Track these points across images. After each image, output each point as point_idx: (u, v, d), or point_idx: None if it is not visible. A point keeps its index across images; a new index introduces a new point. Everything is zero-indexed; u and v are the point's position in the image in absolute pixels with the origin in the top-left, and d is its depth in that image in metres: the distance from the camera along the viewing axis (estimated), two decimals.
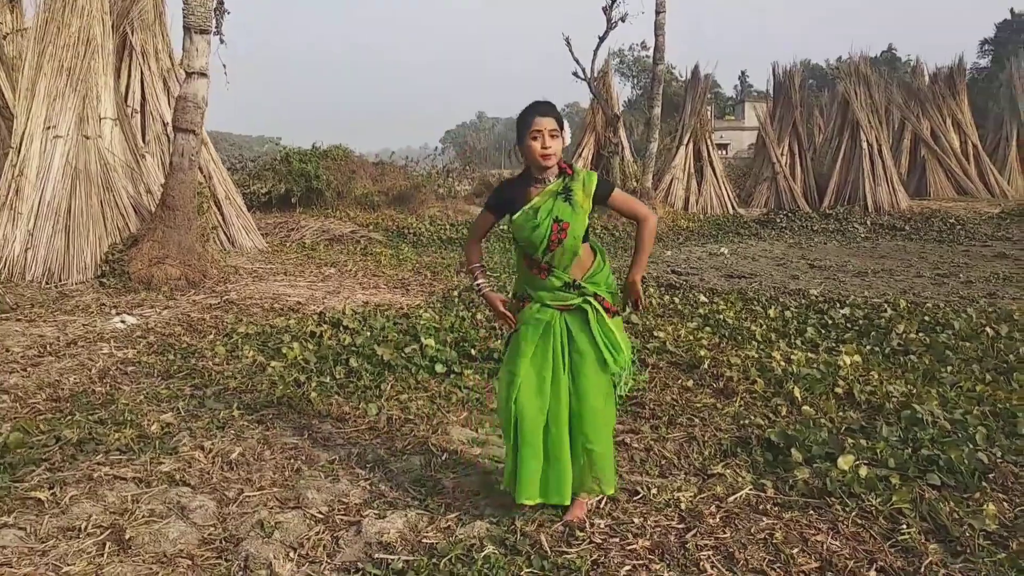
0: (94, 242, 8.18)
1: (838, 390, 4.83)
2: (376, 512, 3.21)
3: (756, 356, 5.67)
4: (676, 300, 8.14)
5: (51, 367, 5.22)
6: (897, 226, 17.10)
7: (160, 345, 5.90)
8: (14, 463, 3.53)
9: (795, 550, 2.88)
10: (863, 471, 3.41)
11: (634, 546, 2.91)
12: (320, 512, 3.21)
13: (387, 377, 5.11)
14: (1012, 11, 53.16)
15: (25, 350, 5.61)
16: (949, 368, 5.42)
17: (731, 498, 3.30)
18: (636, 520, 3.11)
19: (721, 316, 7.26)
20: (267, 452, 3.85)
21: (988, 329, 6.41)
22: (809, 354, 5.79)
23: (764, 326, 6.84)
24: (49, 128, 8.34)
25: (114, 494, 3.30)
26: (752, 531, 3.03)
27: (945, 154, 23.76)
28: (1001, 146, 24.77)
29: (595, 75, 20.16)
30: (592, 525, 3.05)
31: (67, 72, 8.51)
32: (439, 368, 5.27)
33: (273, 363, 5.31)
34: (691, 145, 21.09)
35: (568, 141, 2.95)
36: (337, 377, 5.09)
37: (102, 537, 2.93)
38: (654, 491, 3.38)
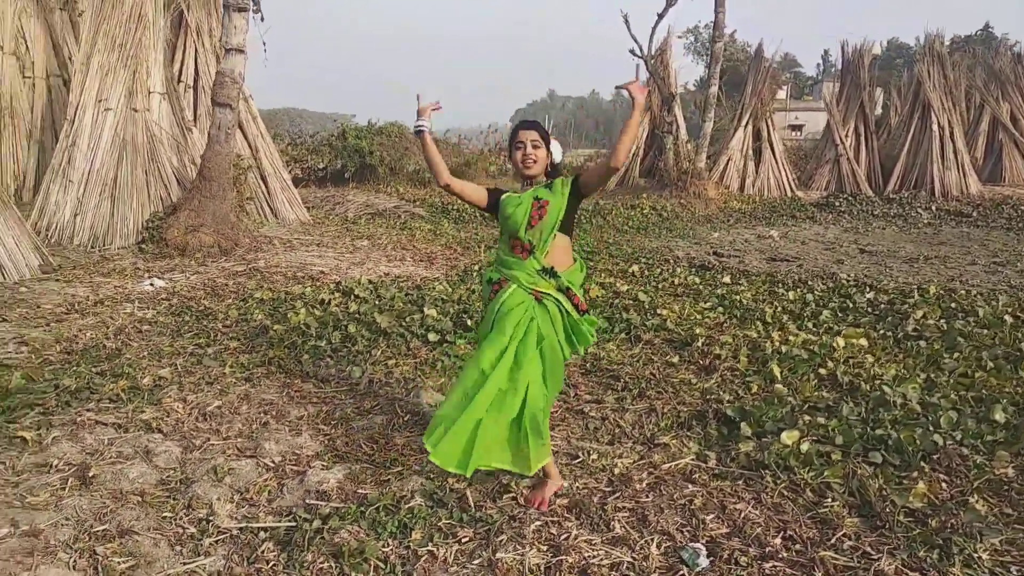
0: (137, 210, 8.67)
1: (822, 371, 4.79)
2: (323, 464, 3.41)
3: (754, 336, 5.64)
4: (699, 281, 8.09)
5: (74, 323, 5.62)
6: (964, 212, 16.36)
7: (179, 307, 6.26)
8: (12, 406, 3.87)
9: (710, 516, 2.93)
10: (804, 446, 3.41)
11: (553, 505, 3.02)
12: (273, 462, 3.43)
13: (380, 344, 5.31)
14: None
15: (55, 308, 6.05)
16: (956, 355, 5.28)
17: (665, 466, 3.36)
18: (566, 482, 3.20)
19: (738, 297, 7.20)
20: (244, 407, 4.10)
21: (1008, 317, 6.19)
22: (811, 336, 5.72)
23: (779, 308, 6.77)
24: (101, 101, 8.85)
25: (92, 437, 3.60)
26: (674, 497, 3.09)
27: None
28: None
29: (652, 53, 19.84)
30: (519, 484, 3.17)
31: (119, 47, 8.98)
32: (432, 336, 5.43)
33: (276, 326, 5.58)
34: (750, 126, 20.57)
35: (557, 156, 3.22)
36: (333, 342, 5.30)
37: (68, 473, 3.21)
38: (594, 456, 3.47)
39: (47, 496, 3.02)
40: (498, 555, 2.66)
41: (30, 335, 5.26)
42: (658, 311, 6.39)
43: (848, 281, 8.33)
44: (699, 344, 5.42)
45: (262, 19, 8.60)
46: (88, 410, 3.91)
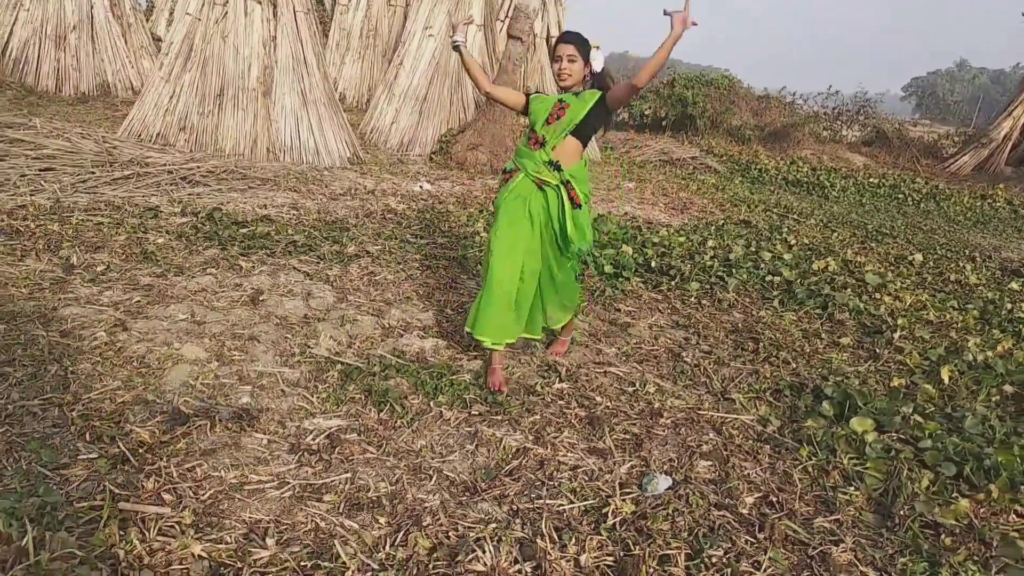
0: (437, 125, 10.00)
1: (1008, 388, 4.09)
2: (421, 334, 3.99)
3: (969, 343, 4.90)
4: (978, 280, 6.99)
5: (342, 203, 6.93)
6: None
7: (428, 207, 7.29)
8: (252, 245, 5.09)
9: (705, 463, 2.92)
10: (871, 437, 3.11)
11: (570, 412, 3.24)
12: (388, 324, 4.10)
13: None
14: None
15: (338, 189, 7.47)
16: None
17: (706, 414, 3.33)
18: (599, 399, 3.38)
19: (1012, 306, 6.16)
20: (406, 284, 4.85)
21: None
22: None
23: None
24: (427, 28, 10.27)
25: (284, 277, 4.62)
26: (688, 439, 3.10)
27: None
28: None
29: None
30: (558, 390, 3.42)
31: None
32: (608, 269, 5.68)
33: (484, 233, 6.27)
34: None
35: (598, 66, 3.38)
36: None
37: (248, 294, 4.23)
38: (648, 388, 3.55)
39: (225, 304, 4.06)
40: (483, 428, 3.00)
41: (305, 205, 6.65)
42: (879, 296, 5.81)
43: None
44: (892, 336, 4.89)
45: None
46: (299, 259, 4.98)
